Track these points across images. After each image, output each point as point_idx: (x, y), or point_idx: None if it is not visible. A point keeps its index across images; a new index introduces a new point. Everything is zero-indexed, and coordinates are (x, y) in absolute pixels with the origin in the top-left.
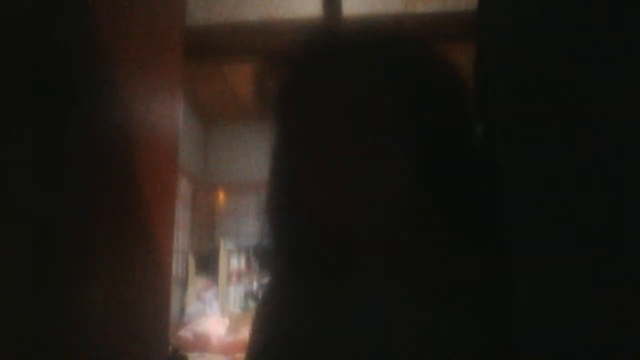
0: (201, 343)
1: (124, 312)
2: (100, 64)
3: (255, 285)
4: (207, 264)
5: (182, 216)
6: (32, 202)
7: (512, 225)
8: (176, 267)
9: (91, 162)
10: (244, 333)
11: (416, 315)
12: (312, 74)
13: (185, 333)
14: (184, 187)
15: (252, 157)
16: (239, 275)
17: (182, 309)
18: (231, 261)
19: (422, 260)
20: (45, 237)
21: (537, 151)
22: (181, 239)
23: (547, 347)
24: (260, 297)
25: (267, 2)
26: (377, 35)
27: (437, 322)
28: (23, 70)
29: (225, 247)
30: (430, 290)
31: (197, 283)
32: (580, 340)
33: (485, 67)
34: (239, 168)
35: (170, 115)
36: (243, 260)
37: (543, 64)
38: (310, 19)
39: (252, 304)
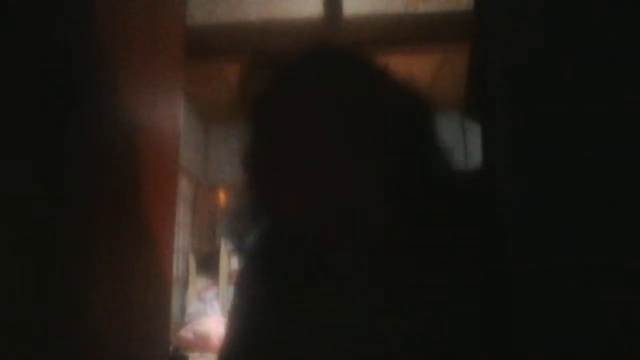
0: (202, 343)
1: (125, 312)
2: (101, 64)
3: None
4: (208, 264)
5: (182, 216)
6: (32, 202)
7: (513, 226)
8: (177, 267)
9: (91, 162)
10: None
11: (397, 318)
12: (290, 81)
13: (186, 333)
14: (184, 187)
15: None
16: None
17: (183, 309)
18: (232, 261)
19: (397, 264)
20: (45, 237)
21: (535, 151)
22: (182, 239)
23: (547, 347)
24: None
25: (267, 2)
26: (348, 46)
27: (419, 325)
28: (23, 71)
29: (226, 247)
30: (412, 294)
31: (197, 283)
32: (580, 340)
33: (484, 68)
34: (239, 168)
35: (171, 115)
36: None
37: (542, 64)
38: (311, 19)
39: None
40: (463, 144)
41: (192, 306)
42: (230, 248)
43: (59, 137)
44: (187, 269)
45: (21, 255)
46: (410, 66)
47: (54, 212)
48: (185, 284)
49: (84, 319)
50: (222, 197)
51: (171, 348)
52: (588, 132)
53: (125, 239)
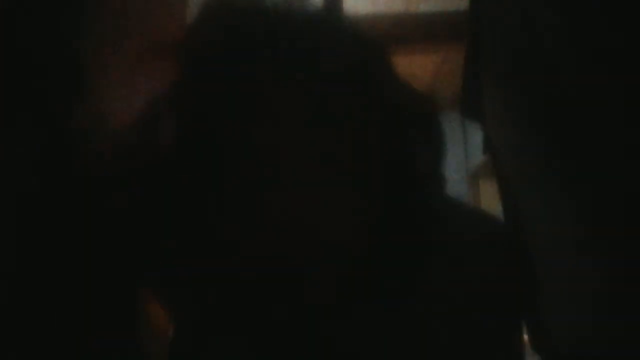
0: None
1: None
2: (100, 64)
3: None
4: None
5: None
6: (32, 200)
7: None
8: None
9: (91, 159)
10: None
11: None
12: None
13: None
14: None
15: None
16: None
17: None
18: None
19: None
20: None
21: (529, 152)
22: None
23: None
24: None
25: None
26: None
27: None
28: (23, 67)
29: None
30: None
31: None
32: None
33: (479, 66)
34: None
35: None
36: None
37: (539, 62)
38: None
39: None
40: (463, 143)
41: None
42: None
43: (58, 137)
44: None
45: (24, 249)
46: (410, 66)
47: (55, 209)
48: None
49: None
50: None
51: None
52: (588, 130)
53: None
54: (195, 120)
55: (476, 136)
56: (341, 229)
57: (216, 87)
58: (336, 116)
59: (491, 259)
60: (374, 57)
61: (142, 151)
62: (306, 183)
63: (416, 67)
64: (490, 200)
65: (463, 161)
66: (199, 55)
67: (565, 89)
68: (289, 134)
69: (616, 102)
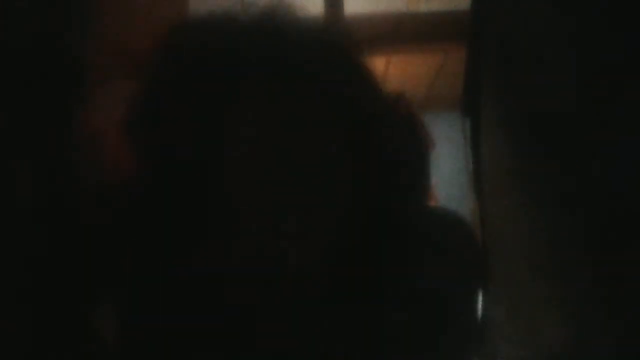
0: None
1: None
2: (101, 64)
3: None
4: None
5: None
6: (31, 202)
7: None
8: None
9: (91, 160)
10: None
11: None
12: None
13: None
14: None
15: None
16: None
17: None
18: None
19: None
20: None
21: (527, 153)
22: None
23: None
24: None
25: (267, 2)
26: None
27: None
28: (22, 67)
29: None
30: None
31: None
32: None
33: (479, 66)
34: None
35: None
36: None
37: (539, 62)
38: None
39: None
40: (463, 143)
41: None
42: None
43: (58, 137)
44: None
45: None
46: (411, 66)
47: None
48: None
49: None
50: None
51: None
52: (587, 133)
53: None
54: (195, 120)
55: None
56: (341, 228)
57: (216, 87)
58: (336, 117)
59: (477, 259)
60: (370, 59)
61: (141, 151)
62: (305, 183)
63: (416, 67)
64: None
65: (463, 161)
66: (198, 56)
67: (565, 90)
68: (289, 135)
69: (617, 104)
